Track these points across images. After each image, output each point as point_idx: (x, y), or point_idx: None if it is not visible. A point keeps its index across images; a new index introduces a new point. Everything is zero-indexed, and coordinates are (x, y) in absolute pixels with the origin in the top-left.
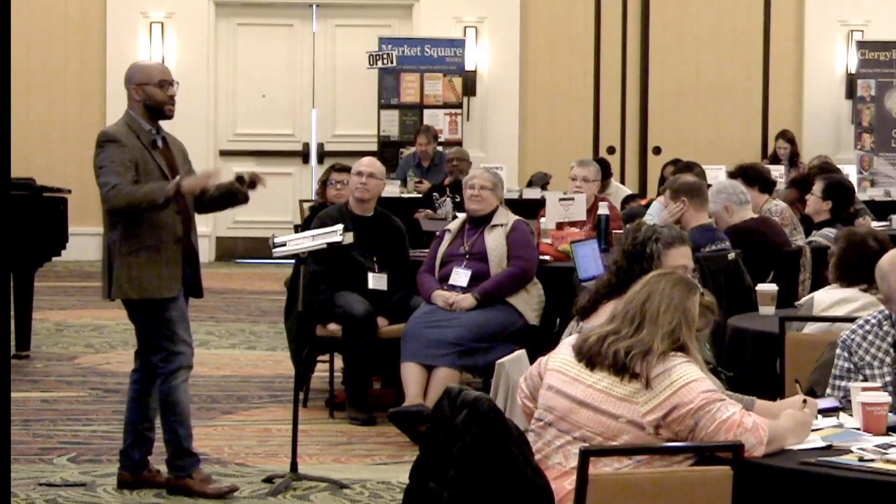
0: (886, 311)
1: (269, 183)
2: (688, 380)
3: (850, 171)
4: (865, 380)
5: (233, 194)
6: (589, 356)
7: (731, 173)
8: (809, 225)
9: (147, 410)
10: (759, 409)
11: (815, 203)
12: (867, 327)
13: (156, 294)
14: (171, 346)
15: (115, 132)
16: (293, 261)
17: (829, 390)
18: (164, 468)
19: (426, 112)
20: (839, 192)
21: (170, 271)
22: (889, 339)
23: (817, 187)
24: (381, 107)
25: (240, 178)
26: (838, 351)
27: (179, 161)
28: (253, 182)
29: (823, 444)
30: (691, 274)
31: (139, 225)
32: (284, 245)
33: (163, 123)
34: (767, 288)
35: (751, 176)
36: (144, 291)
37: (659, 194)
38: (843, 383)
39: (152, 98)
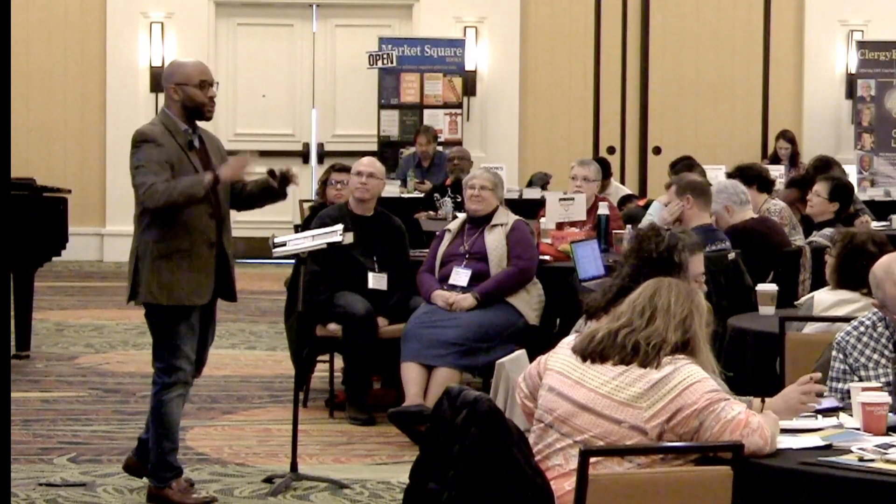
0: (881, 313)
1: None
2: (691, 381)
3: (850, 171)
4: (861, 381)
5: (269, 189)
6: (599, 350)
7: (728, 174)
8: (809, 225)
9: None
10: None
11: (821, 205)
12: (861, 329)
13: (186, 300)
14: (171, 360)
15: (151, 131)
16: (293, 261)
17: (826, 392)
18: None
19: (426, 112)
20: (844, 193)
21: (202, 277)
22: (884, 339)
23: (822, 189)
24: (381, 107)
25: (271, 172)
26: (833, 353)
27: (216, 159)
28: (285, 178)
29: (823, 443)
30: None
31: (173, 228)
32: (284, 245)
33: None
34: (767, 288)
35: (748, 175)
36: (174, 297)
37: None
38: (840, 385)
39: (192, 99)
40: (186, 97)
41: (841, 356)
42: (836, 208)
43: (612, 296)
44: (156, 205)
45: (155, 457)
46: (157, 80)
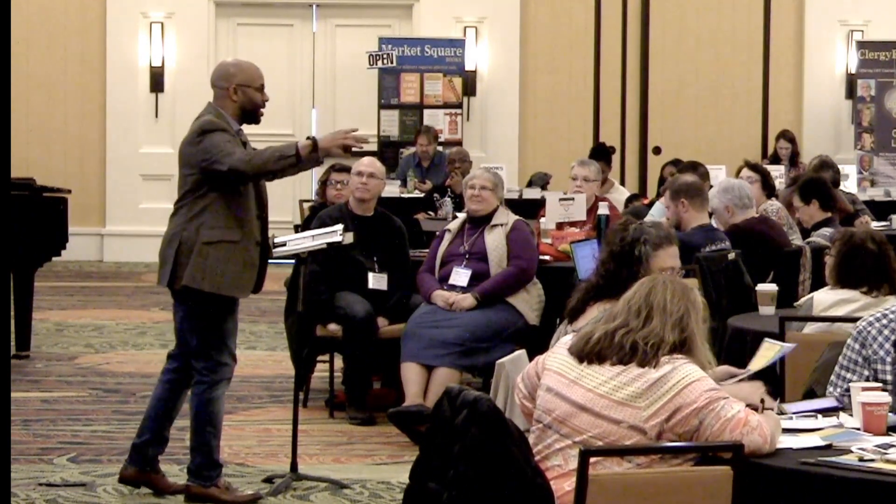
0: None
1: (268, 183)
2: (690, 380)
3: (850, 171)
4: (875, 374)
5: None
6: (597, 351)
7: (751, 166)
8: (807, 227)
9: (172, 412)
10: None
11: (804, 211)
12: (884, 321)
13: (227, 291)
14: (218, 357)
15: (219, 122)
16: (293, 261)
17: (833, 378)
18: (168, 471)
19: (426, 112)
20: (814, 187)
21: (247, 272)
22: (894, 336)
23: (795, 198)
24: (381, 107)
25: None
26: (849, 341)
27: None
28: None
29: (823, 443)
30: (681, 274)
31: (223, 218)
32: (284, 245)
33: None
34: (767, 288)
35: (769, 184)
36: (217, 286)
37: (659, 195)
38: (848, 374)
39: (252, 101)
40: (247, 99)
41: (857, 346)
42: (817, 205)
43: (584, 294)
44: (252, 169)
45: (202, 456)
46: (158, 79)
